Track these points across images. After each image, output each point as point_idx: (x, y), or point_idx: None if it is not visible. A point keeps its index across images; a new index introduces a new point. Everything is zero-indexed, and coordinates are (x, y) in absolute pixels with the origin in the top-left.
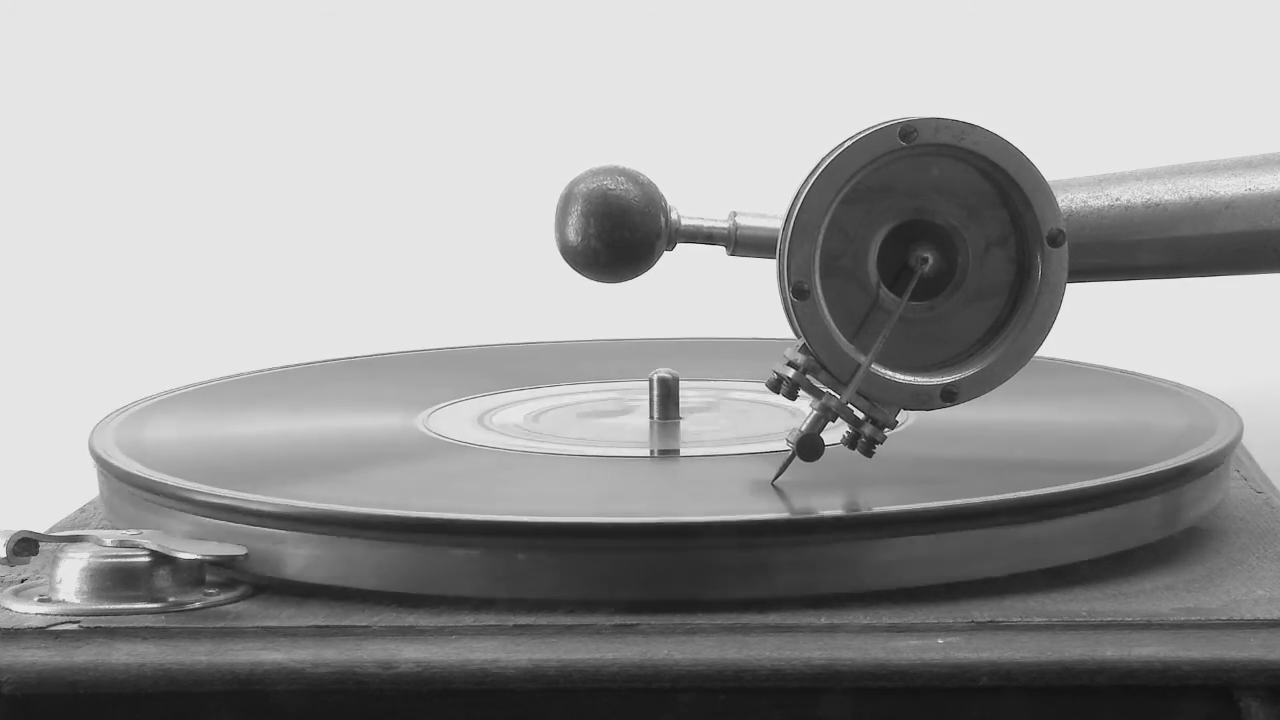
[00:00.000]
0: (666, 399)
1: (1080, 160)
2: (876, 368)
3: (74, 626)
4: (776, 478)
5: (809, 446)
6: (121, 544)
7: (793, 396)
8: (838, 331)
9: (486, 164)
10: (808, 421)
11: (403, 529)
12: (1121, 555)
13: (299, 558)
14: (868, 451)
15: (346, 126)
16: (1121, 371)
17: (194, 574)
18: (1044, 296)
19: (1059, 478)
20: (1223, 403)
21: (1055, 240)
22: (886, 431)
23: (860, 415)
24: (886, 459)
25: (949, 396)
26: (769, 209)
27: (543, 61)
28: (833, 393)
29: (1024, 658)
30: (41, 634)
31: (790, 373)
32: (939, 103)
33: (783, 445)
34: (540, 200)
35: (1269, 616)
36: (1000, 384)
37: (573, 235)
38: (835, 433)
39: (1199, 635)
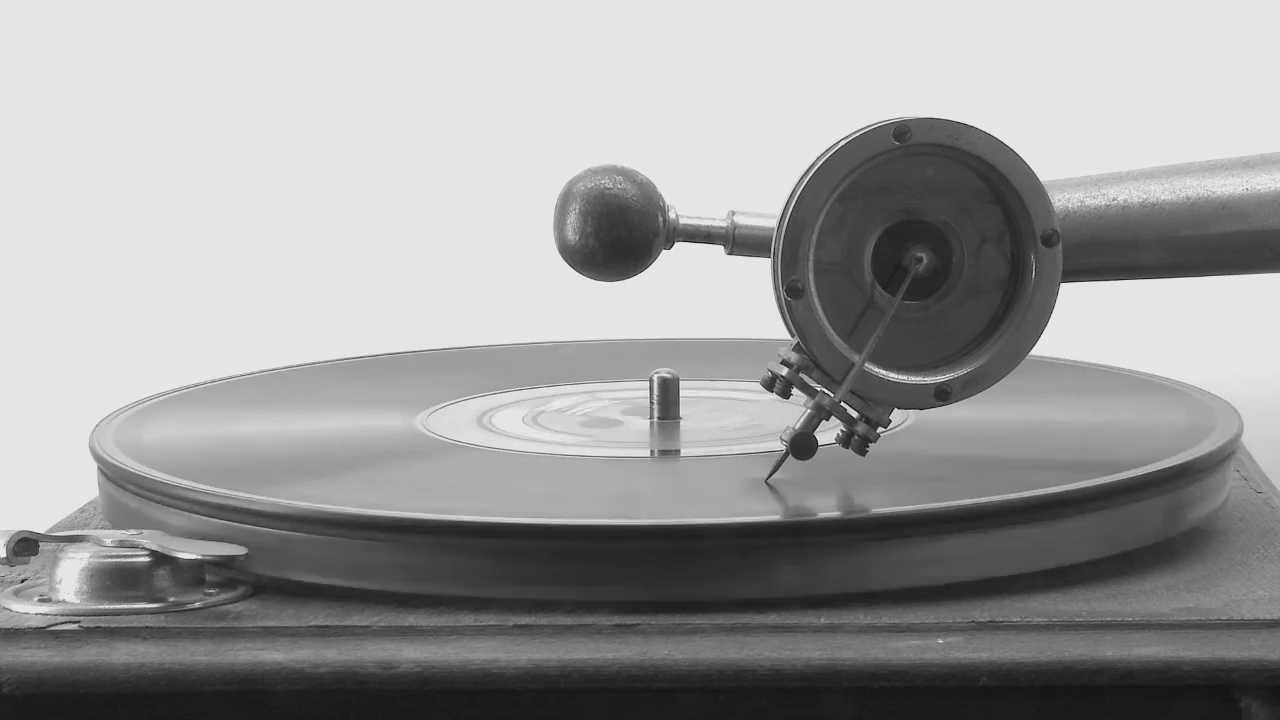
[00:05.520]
0: (666, 399)
1: (1078, 160)
2: (870, 366)
3: (74, 626)
4: (770, 476)
5: (802, 445)
6: (121, 544)
7: (786, 395)
8: (831, 330)
9: (486, 164)
10: (801, 420)
11: (403, 529)
12: (1121, 555)
13: (299, 557)
14: (861, 450)
15: (346, 126)
16: (1121, 371)
17: (194, 574)
18: (1038, 297)
19: (1059, 478)
20: (1223, 401)
21: (1049, 241)
22: (880, 430)
23: (854, 414)
24: (887, 459)
25: (942, 396)
26: (767, 208)
27: (543, 61)
28: (826, 391)
29: (1024, 658)
30: (41, 634)
31: (784, 371)
32: (938, 102)
33: (779, 444)
34: (540, 200)
35: (1269, 616)
36: (994, 384)
37: (571, 234)
38: (832, 432)
39: (1199, 635)
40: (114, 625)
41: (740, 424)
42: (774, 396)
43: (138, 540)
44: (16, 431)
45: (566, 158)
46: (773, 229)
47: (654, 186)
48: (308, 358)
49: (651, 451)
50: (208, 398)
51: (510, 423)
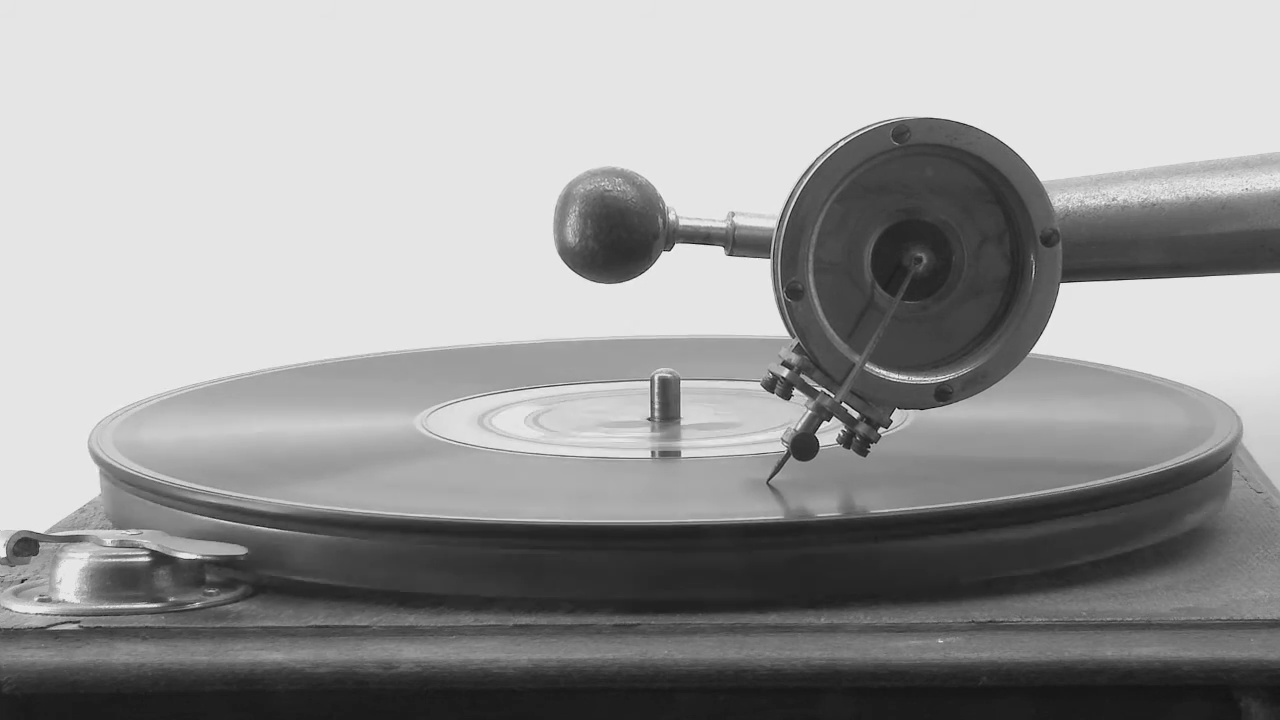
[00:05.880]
0: (666, 399)
1: (1078, 160)
2: (870, 367)
3: (74, 626)
4: (771, 477)
5: (803, 446)
6: (121, 544)
7: (787, 396)
8: (832, 331)
9: (486, 164)
10: (802, 421)
11: (403, 529)
12: (1121, 555)
13: (299, 558)
14: (862, 450)
15: (346, 126)
16: (1121, 371)
17: (194, 574)
18: (1038, 297)
19: (1059, 478)
20: (1223, 403)
21: (1049, 240)
22: (881, 430)
23: (855, 414)
24: (887, 459)
25: (943, 396)
26: (767, 209)
27: (543, 61)
28: (827, 392)
29: (1024, 658)
30: (41, 634)
31: (785, 372)
32: (938, 102)
33: (780, 445)
34: (540, 200)
35: (1269, 616)
36: (994, 383)
37: (571, 236)
38: (833, 433)
39: (1199, 635)
40: (114, 625)
41: (740, 423)
42: (770, 394)
43: (138, 540)
44: (16, 431)
45: (566, 158)
46: (772, 230)
47: (653, 188)
48: (308, 358)
49: (651, 451)
50: (207, 398)
51: (510, 423)
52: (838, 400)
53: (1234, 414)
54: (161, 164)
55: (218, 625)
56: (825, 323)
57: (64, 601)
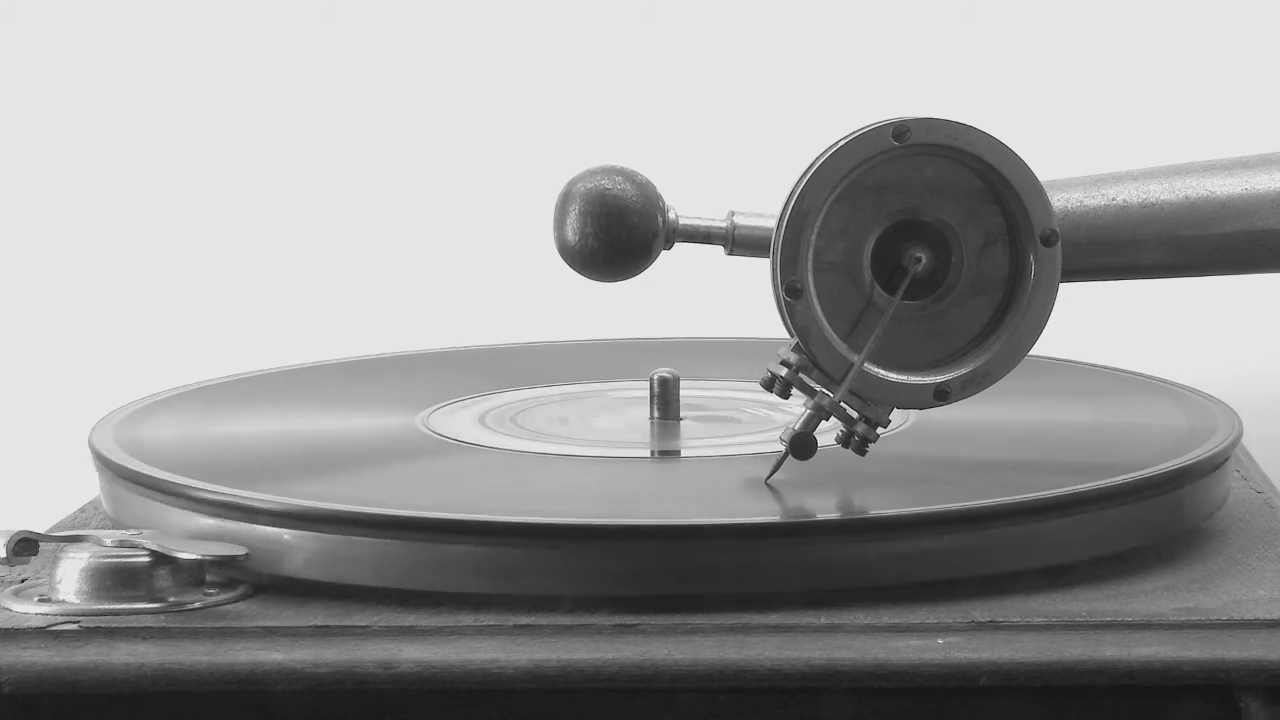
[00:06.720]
0: (666, 399)
1: (1078, 160)
2: (869, 367)
3: (74, 626)
4: (770, 476)
5: (802, 445)
6: (121, 544)
7: (786, 395)
8: (830, 330)
9: (486, 164)
10: (801, 420)
11: (403, 529)
12: (1121, 555)
13: (299, 557)
14: (861, 450)
15: (347, 127)
16: (1121, 371)
17: (194, 574)
18: (1037, 297)
19: (1059, 478)
20: (1223, 403)
21: (1048, 241)
22: (879, 430)
23: (853, 414)
24: (887, 459)
25: (941, 396)
26: (767, 208)
27: (543, 61)
28: (826, 391)
29: (1024, 658)
30: (41, 634)
31: (784, 371)
32: (938, 102)
33: (778, 444)
34: (540, 200)
35: (1269, 616)
36: (993, 383)
37: (571, 234)
38: (832, 432)
39: (1199, 635)
40: (114, 625)
41: (740, 423)
42: (769, 393)
43: (138, 540)
44: (16, 431)
45: (566, 158)
46: (772, 229)
47: (653, 187)
48: (308, 358)
49: (651, 452)
50: (208, 398)
51: (510, 423)
52: (836, 400)
53: (1234, 414)
54: (162, 164)
55: (218, 625)
56: (824, 322)
57: (64, 601)
